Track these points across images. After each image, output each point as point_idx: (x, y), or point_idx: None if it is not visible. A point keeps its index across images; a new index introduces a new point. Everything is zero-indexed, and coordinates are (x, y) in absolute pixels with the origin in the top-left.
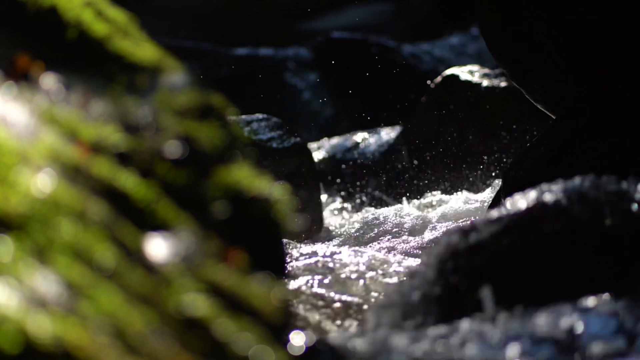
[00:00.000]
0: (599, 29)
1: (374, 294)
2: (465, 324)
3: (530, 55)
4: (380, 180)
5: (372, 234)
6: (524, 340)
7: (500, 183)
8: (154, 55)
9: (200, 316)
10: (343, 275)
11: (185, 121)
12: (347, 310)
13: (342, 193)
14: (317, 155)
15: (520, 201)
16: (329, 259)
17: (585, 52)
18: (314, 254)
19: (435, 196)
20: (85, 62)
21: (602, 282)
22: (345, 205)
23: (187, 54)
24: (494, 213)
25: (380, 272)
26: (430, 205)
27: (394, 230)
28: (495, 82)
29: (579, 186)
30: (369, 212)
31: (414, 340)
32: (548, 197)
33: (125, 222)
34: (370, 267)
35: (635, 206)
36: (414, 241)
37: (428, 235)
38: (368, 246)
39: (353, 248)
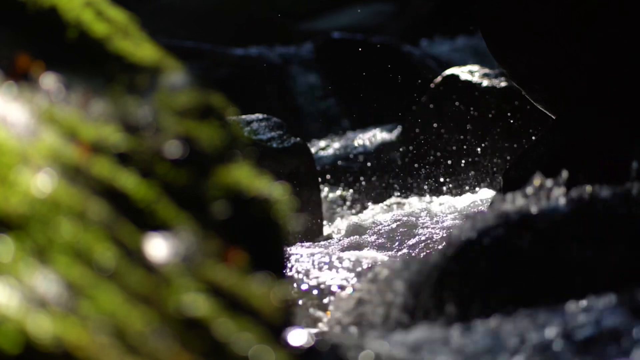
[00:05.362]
0: (599, 29)
1: (374, 293)
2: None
3: (530, 55)
4: (380, 180)
5: (371, 234)
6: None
7: (500, 183)
8: (154, 55)
9: (200, 316)
10: (342, 275)
11: (185, 121)
12: (347, 309)
13: (342, 193)
14: (318, 155)
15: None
16: (328, 259)
17: (585, 52)
18: (314, 254)
19: (435, 196)
20: (85, 62)
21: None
22: (345, 205)
23: (187, 54)
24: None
25: (378, 272)
26: (430, 205)
27: (394, 230)
28: (495, 82)
29: None
30: (369, 212)
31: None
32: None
33: (125, 222)
34: (369, 267)
35: None
36: (413, 241)
37: (427, 236)
38: (367, 246)
39: (352, 248)
